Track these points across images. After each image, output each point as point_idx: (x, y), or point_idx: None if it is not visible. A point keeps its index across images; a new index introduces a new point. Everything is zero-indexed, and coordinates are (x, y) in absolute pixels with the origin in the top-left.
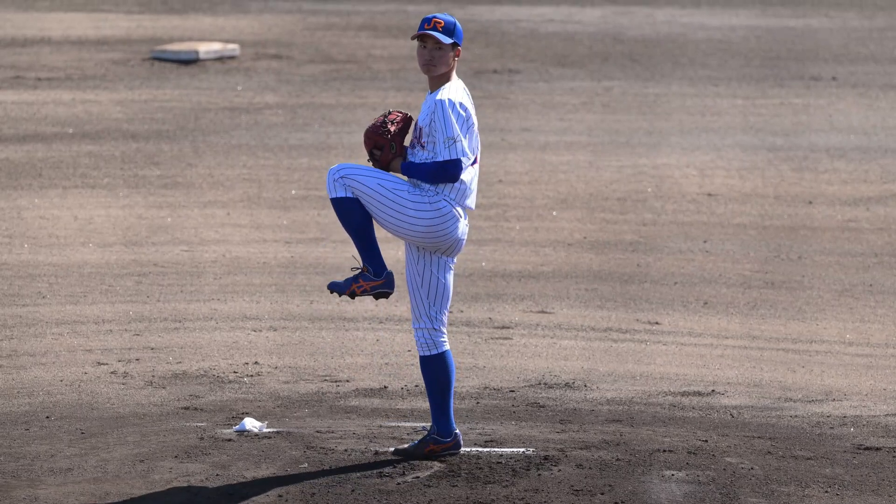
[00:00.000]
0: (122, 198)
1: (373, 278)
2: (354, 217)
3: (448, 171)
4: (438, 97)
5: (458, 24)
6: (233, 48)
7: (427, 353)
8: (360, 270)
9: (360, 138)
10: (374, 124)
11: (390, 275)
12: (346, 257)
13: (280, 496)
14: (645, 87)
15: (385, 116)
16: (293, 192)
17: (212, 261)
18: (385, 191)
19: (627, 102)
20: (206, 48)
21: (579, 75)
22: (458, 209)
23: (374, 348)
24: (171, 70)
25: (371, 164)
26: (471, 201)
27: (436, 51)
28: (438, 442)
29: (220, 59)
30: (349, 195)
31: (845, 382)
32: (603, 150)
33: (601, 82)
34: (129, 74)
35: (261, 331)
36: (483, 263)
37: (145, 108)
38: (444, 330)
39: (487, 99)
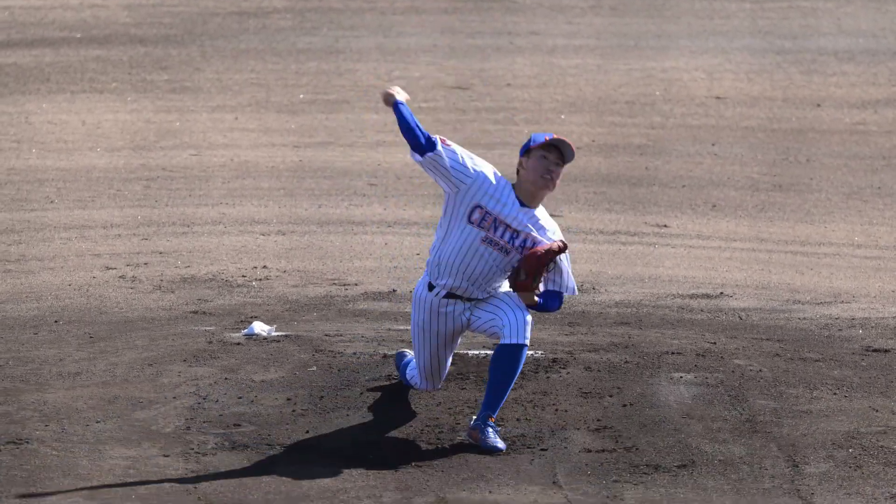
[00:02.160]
0: (129, 102)
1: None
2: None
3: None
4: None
5: None
6: None
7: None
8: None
9: (367, 43)
10: (549, 251)
11: None
12: (353, 161)
13: (289, 399)
14: None
15: (558, 250)
16: (301, 96)
17: (220, 165)
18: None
19: (636, 5)
20: None
21: None
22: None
23: (383, 252)
24: None
25: (517, 279)
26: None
27: (558, 168)
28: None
29: None
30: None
31: (853, 284)
32: (611, 54)
33: None
34: None
35: (269, 235)
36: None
37: (153, 13)
38: None
39: (496, 2)
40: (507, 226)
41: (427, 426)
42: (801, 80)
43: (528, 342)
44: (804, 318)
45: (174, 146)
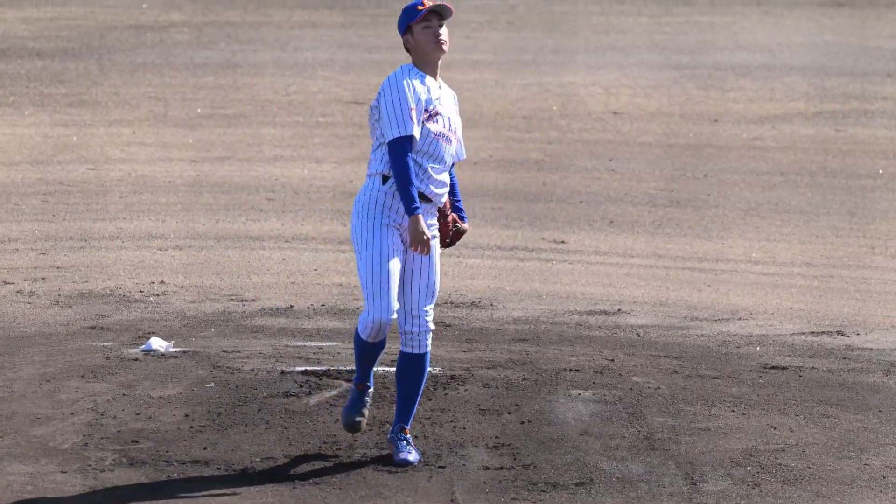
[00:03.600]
0: (27, 116)
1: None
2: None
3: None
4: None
5: None
6: None
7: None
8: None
9: (265, 57)
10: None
11: None
12: (251, 176)
13: (186, 415)
14: (550, 4)
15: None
16: (199, 110)
17: (117, 179)
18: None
19: (533, 21)
20: None
21: None
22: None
23: (280, 267)
24: None
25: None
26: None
27: (443, 28)
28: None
29: None
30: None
31: (751, 301)
32: (508, 69)
33: (506, 0)
34: None
35: (167, 250)
36: None
37: (51, 26)
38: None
39: (392, 17)
40: (446, 116)
41: (325, 442)
42: (699, 96)
43: (429, 349)
44: (702, 335)
45: (72, 160)
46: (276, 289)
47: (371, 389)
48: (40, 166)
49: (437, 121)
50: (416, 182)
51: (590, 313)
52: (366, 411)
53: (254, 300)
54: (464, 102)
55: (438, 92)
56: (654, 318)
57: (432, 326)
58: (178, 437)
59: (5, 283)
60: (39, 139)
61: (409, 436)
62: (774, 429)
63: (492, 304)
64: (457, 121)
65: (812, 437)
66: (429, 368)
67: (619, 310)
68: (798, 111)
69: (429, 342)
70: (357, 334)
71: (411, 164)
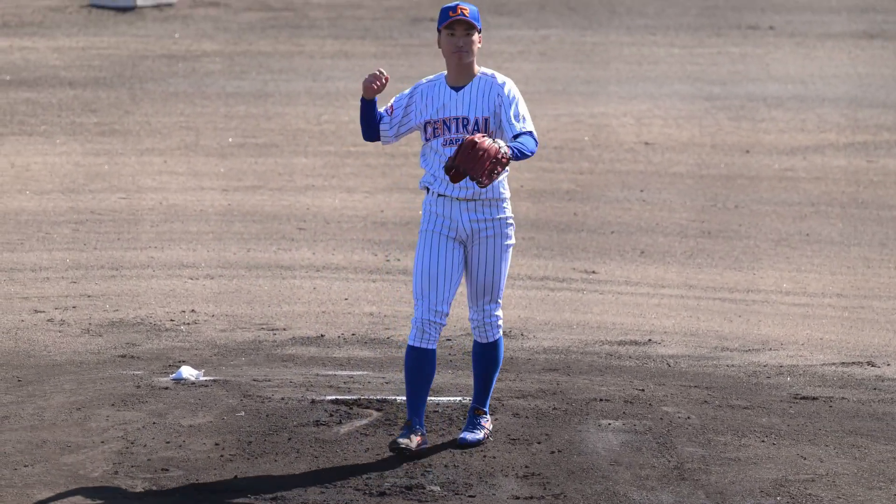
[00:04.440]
0: (59, 145)
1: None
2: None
3: (535, 141)
4: (503, 83)
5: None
6: None
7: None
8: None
9: (297, 87)
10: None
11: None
12: (282, 205)
13: (217, 444)
14: (582, 35)
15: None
16: (230, 139)
17: (149, 208)
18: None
19: (565, 51)
20: None
21: (516, 24)
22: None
23: (311, 296)
24: (109, 17)
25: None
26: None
27: (466, 38)
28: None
29: (158, 6)
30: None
31: (782, 332)
32: (540, 99)
33: (538, 31)
34: (67, 21)
35: (198, 279)
36: (420, 212)
37: (83, 56)
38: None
39: (424, 48)
40: (454, 119)
41: (354, 473)
42: (730, 126)
43: (501, 333)
44: (732, 366)
45: (103, 189)
46: (307, 318)
47: (421, 431)
48: (72, 195)
49: (442, 132)
50: (373, 121)
51: (620, 343)
52: (415, 438)
53: (284, 329)
54: None
55: (451, 99)
56: (684, 348)
57: (499, 321)
58: (209, 466)
59: (36, 311)
60: (71, 168)
61: (481, 416)
62: (804, 459)
63: (522, 334)
64: (486, 114)
65: (842, 467)
66: (502, 356)
67: (649, 340)
68: (830, 142)
69: (497, 333)
70: (405, 362)
71: (376, 121)
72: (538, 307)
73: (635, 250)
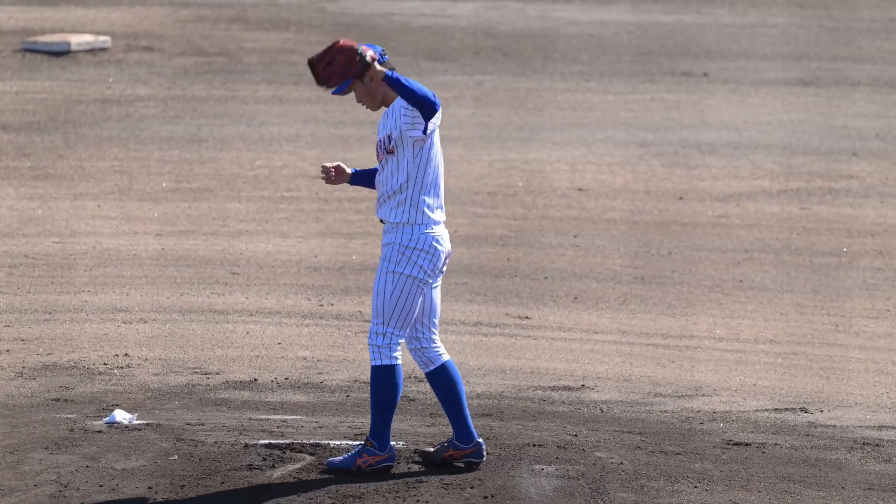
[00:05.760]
0: None
1: (377, 452)
2: (393, 388)
3: (431, 98)
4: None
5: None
6: (104, 40)
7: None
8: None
9: (231, 132)
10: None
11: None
12: (216, 250)
13: (150, 488)
14: (516, 81)
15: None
16: (164, 184)
17: (83, 252)
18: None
19: (499, 97)
20: (77, 40)
21: (451, 69)
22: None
23: (245, 341)
24: (43, 62)
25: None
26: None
27: (358, 92)
28: (458, 448)
29: (92, 50)
30: (393, 362)
31: (715, 377)
32: (474, 145)
33: (472, 76)
34: (1, 66)
35: (131, 323)
36: (353, 257)
37: (16, 100)
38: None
39: None
40: (379, 141)
41: None
42: (664, 173)
43: (382, 361)
44: (665, 411)
45: (37, 233)
46: (241, 362)
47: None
48: (5, 239)
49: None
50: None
51: (553, 389)
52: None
53: (218, 373)
54: None
55: (383, 121)
56: (617, 393)
57: (379, 347)
58: None
59: None
60: (5, 212)
61: (368, 447)
62: None
63: None
64: (388, 132)
65: None
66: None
67: (582, 385)
68: (763, 189)
69: (376, 359)
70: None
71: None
72: (471, 352)
73: (569, 296)
